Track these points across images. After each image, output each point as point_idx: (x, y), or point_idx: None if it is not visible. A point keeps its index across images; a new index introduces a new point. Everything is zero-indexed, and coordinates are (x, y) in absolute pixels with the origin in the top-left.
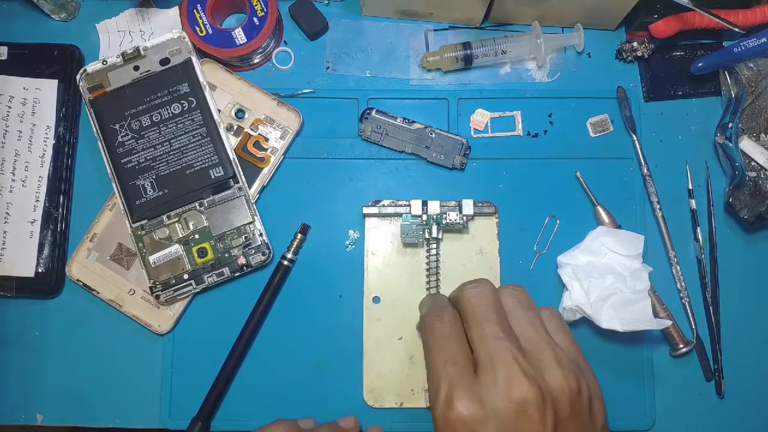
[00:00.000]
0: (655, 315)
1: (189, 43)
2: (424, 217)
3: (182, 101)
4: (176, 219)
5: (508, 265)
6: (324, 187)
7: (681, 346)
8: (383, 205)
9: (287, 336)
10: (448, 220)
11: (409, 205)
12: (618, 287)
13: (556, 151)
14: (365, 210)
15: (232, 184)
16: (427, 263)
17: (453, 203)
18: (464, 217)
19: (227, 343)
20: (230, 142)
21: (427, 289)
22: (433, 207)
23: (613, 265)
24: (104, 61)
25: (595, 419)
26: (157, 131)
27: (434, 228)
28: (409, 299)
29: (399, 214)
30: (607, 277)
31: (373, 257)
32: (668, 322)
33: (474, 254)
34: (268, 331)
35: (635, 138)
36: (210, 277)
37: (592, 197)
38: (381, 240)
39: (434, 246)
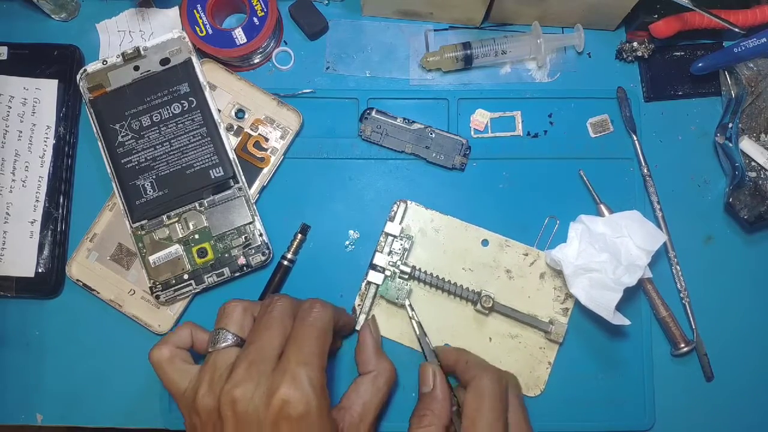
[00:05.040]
0: (656, 314)
1: (189, 43)
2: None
3: (182, 101)
4: (176, 219)
5: None
6: (324, 187)
7: (682, 345)
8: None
9: None
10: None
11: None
12: (606, 268)
13: (556, 152)
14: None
15: (232, 184)
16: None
17: None
18: None
19: None
20: (230, 142)
21: None
22: None
23: (620, 248)
24: (104, 61)
25: None
26: (157, 131)
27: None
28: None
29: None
30: (604, 254)
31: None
32: (627, 322)
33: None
34: None
35: (635, 138)
36: (210, 277)
37: (595, 195)
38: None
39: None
